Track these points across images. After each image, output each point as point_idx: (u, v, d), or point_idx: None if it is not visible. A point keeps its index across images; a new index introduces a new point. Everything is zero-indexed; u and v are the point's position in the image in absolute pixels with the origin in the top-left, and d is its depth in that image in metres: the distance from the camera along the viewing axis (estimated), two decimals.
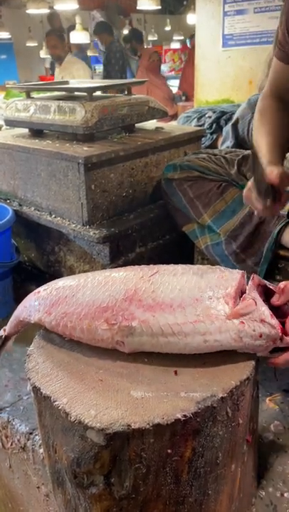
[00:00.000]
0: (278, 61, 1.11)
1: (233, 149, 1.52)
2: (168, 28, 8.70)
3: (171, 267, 0.80)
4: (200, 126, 2.18)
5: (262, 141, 1.09)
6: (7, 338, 0.92)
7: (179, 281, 0.74)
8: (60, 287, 0.81)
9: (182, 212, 1.38)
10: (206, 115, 2.23)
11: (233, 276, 0.75)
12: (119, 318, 0.71)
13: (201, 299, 0.70)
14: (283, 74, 1.12)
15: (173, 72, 8.38)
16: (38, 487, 1.00)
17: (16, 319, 0.87)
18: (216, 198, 1.29)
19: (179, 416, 0.61)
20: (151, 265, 0.81)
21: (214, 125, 2.16)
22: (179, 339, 0.69)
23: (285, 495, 0.84)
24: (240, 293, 0.74)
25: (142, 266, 0.82)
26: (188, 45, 6.06)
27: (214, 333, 0.68)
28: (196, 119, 2.25)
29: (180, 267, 0.79)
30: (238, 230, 1.22)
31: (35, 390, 0.69)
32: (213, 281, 0.74)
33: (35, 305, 0.81)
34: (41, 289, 0.83)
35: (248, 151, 1.33)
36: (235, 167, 1.30)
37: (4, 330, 0.91)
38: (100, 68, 6.82)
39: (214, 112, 2.22)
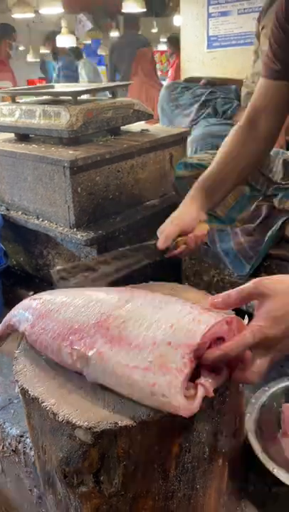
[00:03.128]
0: (264, 79, 1.10)
1: None
2: (155, 30, 8.73)
3: (152, 295, 0.73)
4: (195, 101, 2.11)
5: (209, 168, 1.11)
6: None
7: (151, 316, 0.67)
8: (50, 299, 0.79)
9: None
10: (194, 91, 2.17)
11: (208, 322, 0.63)
12: (81, 344, 0.67)
13: (160, 342, 0.62)
14: (266, 91, 1.10)
15: (160, 74, 8.39)
16: (30, 490, 1.01)
17: (6, 322, 0.86)
18: None
19: (165, 413, 0.62)
20: (135, 288, 0.78)
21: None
22: (127, 383, 0.63)
23: (273, 490, 0.85)
24: (215, 338, 0.63)
25: (130, 287, 0.79)
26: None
27: (163, 386, 0.60)
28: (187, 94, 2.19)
29: (159, 298, 0.72)
30: (248, 221, 1.26)
31: (23, 391, 0.70)
32: (184, 324, 0.64)
33: (24, 314, 0.80)
34: (37, 296, 0.82)
35: None
36: None
37: None
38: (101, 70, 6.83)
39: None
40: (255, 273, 1.23)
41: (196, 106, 2.14)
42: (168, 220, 1.04)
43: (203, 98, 2.12)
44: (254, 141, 1.11)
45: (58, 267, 0.88)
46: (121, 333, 0.65)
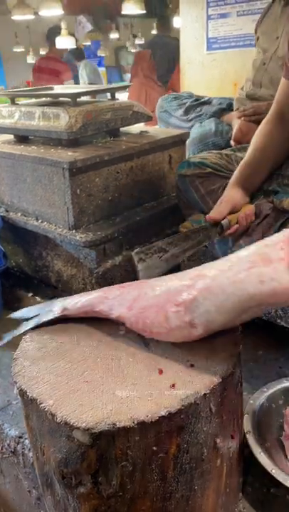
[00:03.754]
0: (284, 79, 1.17)
1: (241, 146, 1.54)
2: (154, 32, 8.74)
3: None
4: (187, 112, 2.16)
5: (246, 157, 1.21)
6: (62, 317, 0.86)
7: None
8: (143, 282, 0.82)
9: (193, 209, 1.41)
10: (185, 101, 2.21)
11: None
12: (184, 295, 0.71)
13: (257, 248, 0.70)
14: (285, 91, 1.17)
15: None
16: (29, 491, 1.01)
17: (91, 307, 0.83)
18: None
19: (163, 413, 0.63)
20: None
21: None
22: (235, 288, 0.66)
23: (271, 490, 0.86)
24: None
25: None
26: None
27: (269, 272, 0.65)
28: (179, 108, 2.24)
29: None
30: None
31: (22, 393, 0.70)
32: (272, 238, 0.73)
33: (117, 299, 0.80)
34: (126, 284, 0.83)
35: None
36: None
37: (65, 309, 0.85)
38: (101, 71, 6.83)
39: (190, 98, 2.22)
40: None
41: (180, 111, 2.18)
42: (218, 202, 1.15)
43: (187, 104, 2.16)
44: (283, 133, 1.21)
45: (137, 250, 0.99)
46: (218, 269, 0.71)
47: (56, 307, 0.87)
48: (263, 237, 1.22)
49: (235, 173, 1.21)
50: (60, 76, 4.36)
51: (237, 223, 1.13)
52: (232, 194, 1.16)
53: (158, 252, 0.98)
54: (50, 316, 0.85)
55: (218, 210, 1.11)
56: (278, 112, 1.21)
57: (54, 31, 4.54)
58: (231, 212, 1.12)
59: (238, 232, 1.15)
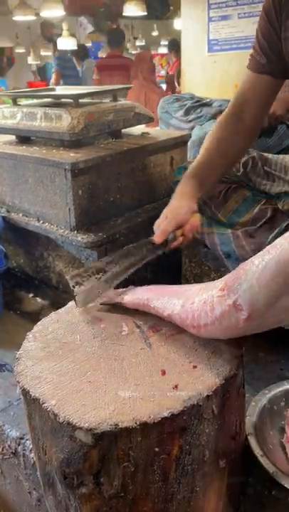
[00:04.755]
0: (249, 72, 1.12)
1: None
2: (155, 34, 8.76)
3: None
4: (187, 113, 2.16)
5: (198, 157, 1.15)
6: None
7: None
8: (193, 287, 0.82)
9: None
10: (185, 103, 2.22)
11: None
12: (229, 280, 0.70)
13: None
14: (250, 85, 1.12)
15: (158, 78, 8.42)
16: (30, 492, 1.01)
17: (146, 301, 0.85)
18: (226, 199, 1.32)
19: (165, 414, 0.63)
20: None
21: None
22: (275, 254, 0.66)
23: (273, 492, 0.85)
24: None
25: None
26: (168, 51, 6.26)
27: None
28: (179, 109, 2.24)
29: None
30: (250, 224, 1.27)
31: (24, 392, 0.70)
32: None
33: (172, 298, 0.81)
34: (176, 287, 0.85)
35: (254, 151, 1.37)
36: (241, 169, 1.33)
37: (123, 298, 0.88)
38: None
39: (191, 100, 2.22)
40: None
41: (181, 112, 2.18)
42: (163, 215, 1.07)
43: (188, 105, 2.16)
44: (240, 132, 1.14)
45: (72, 273, 0.90)
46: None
47: (119, 295, 0.90)
48: (266, 239, 1.23)
49: (184, 179, 1.13)
50: (128, 71, 4.52)
51: (183, 235, 1.08)
52: (178, 207, 1.07)
53: (96, 273, 0.91)
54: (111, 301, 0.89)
55: (163, 229, 1.03)
56: (238, 108, 1.14)
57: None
58: (177, 228, 1.05)
59: (184, 243, 1.10)
